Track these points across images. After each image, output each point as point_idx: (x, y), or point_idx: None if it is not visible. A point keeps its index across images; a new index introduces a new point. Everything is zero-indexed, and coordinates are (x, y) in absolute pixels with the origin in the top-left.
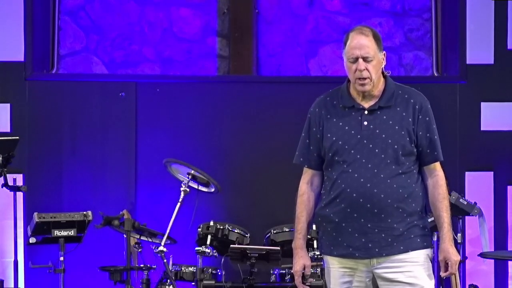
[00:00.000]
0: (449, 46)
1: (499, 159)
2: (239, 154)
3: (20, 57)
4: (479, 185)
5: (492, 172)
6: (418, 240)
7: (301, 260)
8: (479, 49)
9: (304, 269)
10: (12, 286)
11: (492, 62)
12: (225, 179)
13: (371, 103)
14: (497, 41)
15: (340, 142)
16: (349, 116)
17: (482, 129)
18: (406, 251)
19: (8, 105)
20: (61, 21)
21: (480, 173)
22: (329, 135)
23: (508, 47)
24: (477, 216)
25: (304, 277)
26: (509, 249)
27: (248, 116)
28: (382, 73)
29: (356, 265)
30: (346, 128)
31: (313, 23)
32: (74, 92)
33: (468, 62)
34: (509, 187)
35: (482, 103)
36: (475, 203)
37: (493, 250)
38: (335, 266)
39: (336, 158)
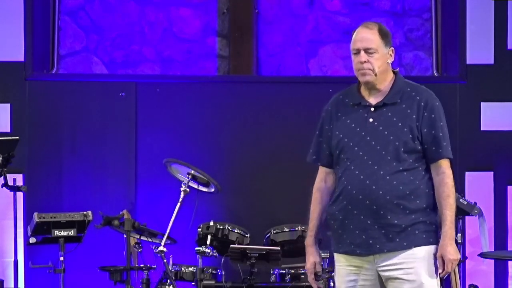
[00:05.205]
0: (449, 46)
1: (499, 159)
2: (239, 154)
3: (20, 57)
4: (479, 185)
5: (492, 172)
6: (424, 236)
7: (311, 258)
8: (479, 49)
9: (314, 266)
10: (12, 286)
11: (492, 62)
12: (225, 179)
13: (378, 100)
14: (497, 41)
15: (345, 140)
16: (356, 113)
17: (482, 129)
18: (409, 247)
19: (8, 105)
20: (61, 21)
21: (480, 173)
22: (337, 132)
23: (508, 47)
24: (477, 216)
25: (316, 274)
26: (509, 249)
27: (248, 116)
28: (393, 70)
29: (361, 263)
30: (353, 125)
31: (313, 23)
32: (74, 92)
33: (468, 62)
34: (509, 187)
35: (482, 103)
36: (475, 203)
37: (493, 250)
38: (341, 264)
39: (342, 155)
